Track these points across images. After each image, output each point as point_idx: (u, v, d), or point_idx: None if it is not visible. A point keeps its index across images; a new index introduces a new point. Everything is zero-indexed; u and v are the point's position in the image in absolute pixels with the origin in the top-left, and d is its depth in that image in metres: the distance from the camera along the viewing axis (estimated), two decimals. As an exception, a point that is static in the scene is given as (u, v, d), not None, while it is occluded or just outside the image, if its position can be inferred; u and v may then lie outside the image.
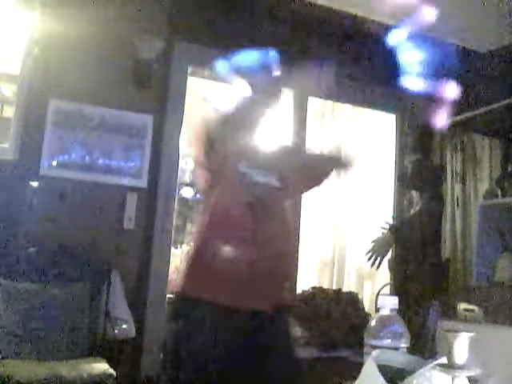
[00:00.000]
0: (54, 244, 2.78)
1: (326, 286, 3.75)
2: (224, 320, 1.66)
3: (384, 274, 3.45)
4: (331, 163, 2.05)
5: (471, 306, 2.75)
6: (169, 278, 3.16)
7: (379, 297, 1.02)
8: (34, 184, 2.89)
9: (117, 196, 3.05)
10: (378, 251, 3.02)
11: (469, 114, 3.19)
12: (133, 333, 2.81)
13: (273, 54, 1.87)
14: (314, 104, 3.92)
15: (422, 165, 3.27)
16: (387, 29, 2.76)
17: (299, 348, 2.81)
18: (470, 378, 0.88)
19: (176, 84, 3.26)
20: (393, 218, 3.49)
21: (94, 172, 3.02)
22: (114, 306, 2.78)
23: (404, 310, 1.05)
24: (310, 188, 2.09)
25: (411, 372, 0.87)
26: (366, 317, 3.19)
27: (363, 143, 4.12)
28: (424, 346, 2.52)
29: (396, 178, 3.84)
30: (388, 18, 3.34)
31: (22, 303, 2.49)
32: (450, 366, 0.84)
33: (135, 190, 3.10)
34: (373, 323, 1.00)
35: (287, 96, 3.76)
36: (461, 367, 0.83)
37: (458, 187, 3.54)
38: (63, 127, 2.98)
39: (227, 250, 1.72)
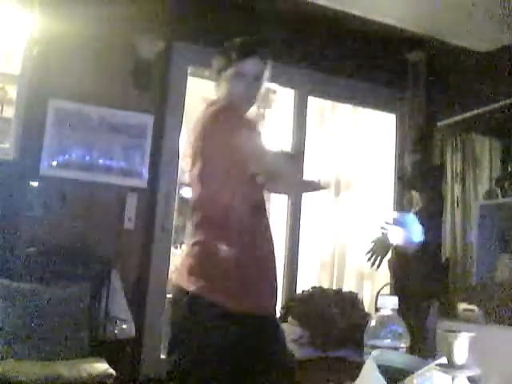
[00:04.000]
0: (54, 244, 2.78)
1: (326, 285, 3.75)
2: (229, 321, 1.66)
3: (384, 274, 3.45)
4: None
5: (471, 306, 2.75)
6: (169, 278, 3.16)
7: (379, 297, 1.02)
8: (34, 184, 2.89)
9: (117, 196, 3.05)
10: (377, 251, 3.02)
11: (469, 114, 3.19)
12: (133, 333, 2.81)
13: None
14: (314, 104, 3.91)
15: (422, 165, 3.26)
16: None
17: (298, 348, 2.81)
18: (469, 378, 0.88)
19: (176, 84, 3.26)
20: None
21: (94, 172, 3.02)
22: (114, 305, 2.78)
23: (404, 310, 1.05)
24: None
25: (411, 372, 0.87)
26: (365, 317, 3.18)
27: (363, 143, 4.12)
28: (424, 346, 2.52)
29: (396, 178, 3.84)
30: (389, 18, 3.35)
31: (22, 303, 2.49)
32: (450, 366, 0.84)
33: (135, 190, 3.10)
34: (373, 323, 1.00)
35: (287, 96, 3.77)
36: (461, 367, 0.83)
37: (457, 187, 3.54)
38: (63, 127, 2.98)
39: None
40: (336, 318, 2.93)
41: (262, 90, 1.86)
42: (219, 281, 1.68)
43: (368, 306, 3.60)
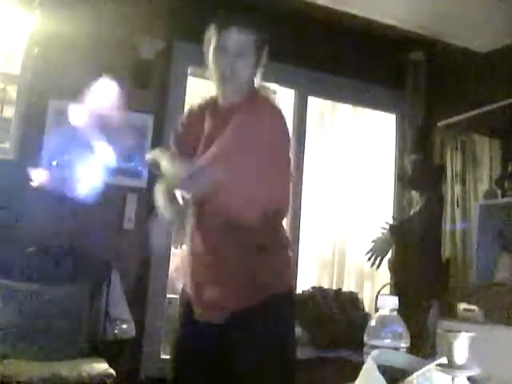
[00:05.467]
0: (54, 244, 2.78)
1: (325, 285, 3.75)
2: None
3: (384, 274, 3.45)
4: None
5: (471, 306, 2.75)
6: (168, 278, 3.16)
7: (379, 297, 1.02)
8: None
9: (117, 196, 3.05)
10: (377, 251, 3.03)
11: (469, 114, 3.19)
12: (133, 333, 2.81)
13: None
14: (314, 104, 3.91)
15: (422, 165, 3.26)
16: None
17: (298, 348, 2.81)
18: (470, 378, 0.88)
19: (176, 84, 3.26)
20: (393, 218, 3.49)
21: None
22: (114, 305, 2.78)
23: (404, 310, 1.05)
24: None
25: (411, 372, 0.87)
26: (365, 317, 3.19)
27: (363, 143, 4.12)
28: (424, 346, 2.52)
29: (396, 177, 3.83)
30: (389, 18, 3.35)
31: (22, 303, 2.49)
32: (450, 366, 0.84)
33: (135, 190, 3.10)
34: (373, 323, 1.00)
35: (287, 96, 3.77)
36: (461, 367, 0.83)
37: (457, 187, 3.54)
38: (63, 127, 2.97)
39: None
40: (336, 318, 2.93)
41: (250, 68, 1.61)
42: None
43: (368, 306, 3.60)
